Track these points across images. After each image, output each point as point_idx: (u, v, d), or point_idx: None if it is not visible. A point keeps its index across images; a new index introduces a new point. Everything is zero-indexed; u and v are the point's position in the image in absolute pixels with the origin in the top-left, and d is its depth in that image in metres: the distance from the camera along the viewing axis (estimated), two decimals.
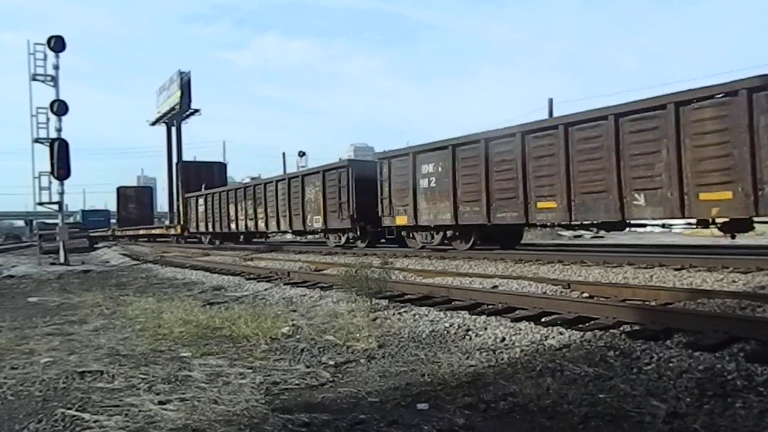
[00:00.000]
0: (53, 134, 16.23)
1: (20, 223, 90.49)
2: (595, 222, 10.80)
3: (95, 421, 2.70)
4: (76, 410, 2.86)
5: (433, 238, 14.17)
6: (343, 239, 17.18)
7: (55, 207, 16.88)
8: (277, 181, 20.79)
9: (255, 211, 22.17)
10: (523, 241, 17.18)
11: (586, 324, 4.52)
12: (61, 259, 16.38)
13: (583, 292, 6.29)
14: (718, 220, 9.13)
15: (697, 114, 8.78)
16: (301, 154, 41.75)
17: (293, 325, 4.95)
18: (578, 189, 10.41)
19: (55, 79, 16.40)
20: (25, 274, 12.52)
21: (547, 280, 7.07)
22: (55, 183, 16.41)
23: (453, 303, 5.87)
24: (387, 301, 5.98)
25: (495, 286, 6.92)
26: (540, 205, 11.10)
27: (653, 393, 2.77)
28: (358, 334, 4.44)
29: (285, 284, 8.27)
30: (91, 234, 35.83)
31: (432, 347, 4.05)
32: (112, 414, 2.80)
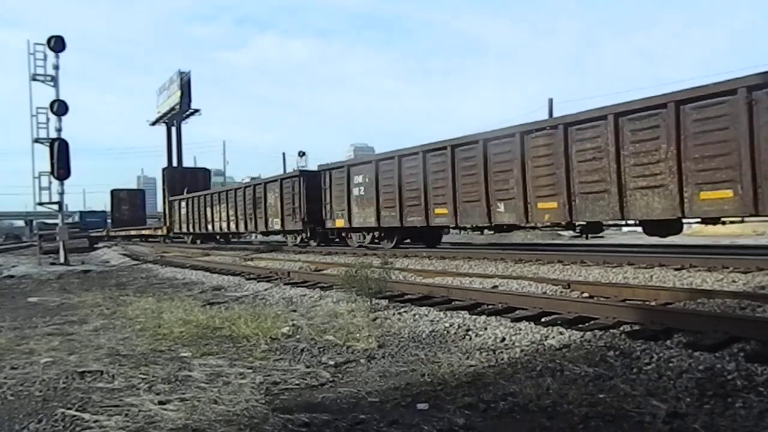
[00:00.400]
0: (53, 134, 16.23)
1: (20, 223, 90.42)
2: (473, 225, 12.97)
3: (95, 421, 2.70)
4: (76, 410, 2.86)
5: (364, 238, 16.48)
6: (298, 239, 19.54)
7: (55, 207, 16.88)
8: (245, 188, 23.30)
9: (227, 213, 24.42)
10: (523, 241, 17.56)
11: (586, 324, 4.52)
12: (61, 259, 16.37)
13: (583, 292, 6.28)
14: (553, 223, 11.38)
15: (534, 141, 11.12)
16: (301, 154, 41.65)
17: (293, 325, 4.95)
18: (461, 198, 12.68)
19: (55, 79, 16.40)
20: (25, 274, 12.52)
21: (547, 280, 7.06)
22: (55, 183, 16.43)
23: (453, 303, 5.87)
24: (387, 301, 5.98)
25: (495, 286, 6.91)
26: (437, 211, 13.35)
27: (653, 393, 2.77)
28: (358, 334, 4.44)
29: (285, 284, 8.27)
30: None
31: (432, 347, 4.05)
32: (112, 414, 2.80)
